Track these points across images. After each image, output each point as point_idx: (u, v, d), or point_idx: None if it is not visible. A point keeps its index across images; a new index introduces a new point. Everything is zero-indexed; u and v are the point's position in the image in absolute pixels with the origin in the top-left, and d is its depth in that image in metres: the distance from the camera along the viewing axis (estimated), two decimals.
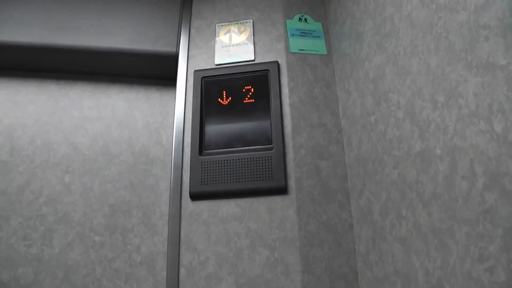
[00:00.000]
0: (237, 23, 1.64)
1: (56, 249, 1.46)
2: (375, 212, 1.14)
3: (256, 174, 1.35)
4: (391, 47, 1.08)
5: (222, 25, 1.64)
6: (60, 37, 1.59)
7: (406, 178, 0.97)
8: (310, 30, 1.60)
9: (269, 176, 1.34)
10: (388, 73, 1.09)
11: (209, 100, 1.50)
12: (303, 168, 1.36)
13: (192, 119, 1.47)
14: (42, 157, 1.59)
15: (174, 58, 1.64)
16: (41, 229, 1.48)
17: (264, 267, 1.25)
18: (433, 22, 0.88)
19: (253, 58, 1.55)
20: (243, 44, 1.59)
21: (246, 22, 1.63)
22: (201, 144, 1.43)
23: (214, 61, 1.58)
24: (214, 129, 1.45)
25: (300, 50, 1.56)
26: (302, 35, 1.59)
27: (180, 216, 1.34)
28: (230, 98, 1.49)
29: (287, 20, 1.60)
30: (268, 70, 1.50)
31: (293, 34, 1.58)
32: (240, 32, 1.61)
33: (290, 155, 1.38)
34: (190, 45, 1.63)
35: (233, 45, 1.59)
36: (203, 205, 1.36)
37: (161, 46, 1.63)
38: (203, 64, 1.58)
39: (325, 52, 1.57)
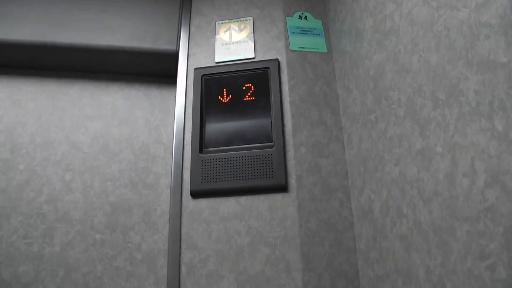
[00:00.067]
0: (237, 21, 1.63)
1: (56, 247, 1.46)
2: (376, 210, 1.14)
3: (257, 172, 1.35)
4: (391, 45, 1.08)
5: (222, 23, 1.64)
6: (59, 35, 1.59)
7: (407, 176, 0.97)
8: (310, 28, 1.60)
9: (269, 174, 1.34)
10: (388, 71, 1.09)
11: (209, 98, 1.50)
12: (303, 166, 1.36)
13: (192, 117, 1.47)
14: (42, 155, 1.59)
15: (174, 56, 1.64)
16: (41, 227, 1.48)
17: (265, 265, 1.25)
18: (434, 19, 0.88)
19: (253, 56, 1.55)
20: (243, 41, 1.59)
21: (246, 19, 1.63)
22: (202, 142, 1.43)
23: (214, 59, 1.58)
24: (215, 127, 1.45)
25: (300, 48, 1.55)
26: (302, 33, 1.59)
27: (180, 214, 1.35)
28: (230, 96, 1.49)
29: (287, 18, 1.60)
30: (268, 68, 1.50)
31: (293, 32, 1.58)
32: (240, 30, 1.61)
33: (290, 153, 1.38)
34: (190, 43, 1.63)
35: (233, 42, 1.59)
36: (204, 203, 1.36)
37: (161, 44, 1.63)
38: (203, 62, 1.58)
39: (325, 50, 1.57)
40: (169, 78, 1.79)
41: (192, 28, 1.66)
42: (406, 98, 0.99)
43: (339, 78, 1.48)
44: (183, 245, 1.31)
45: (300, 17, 1.62)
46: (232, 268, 1.26)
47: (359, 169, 1.28)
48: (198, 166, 1.39)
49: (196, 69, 1.55)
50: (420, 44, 0.93)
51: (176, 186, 1.38)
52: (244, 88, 1.49)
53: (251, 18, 1.63)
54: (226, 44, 1.60)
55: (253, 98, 1.47)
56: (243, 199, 1.35)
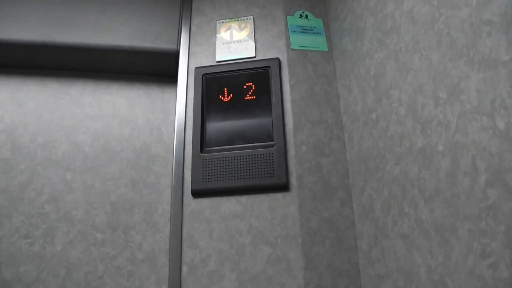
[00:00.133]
0: (237, 20, 1.63)
1: (58, 247, 1.46)
2: (377, 208, 1.14)
3: (258, 171, 1.35)
4: (392, 43, 1.08)
5: (222, 22, 1.64)
6: (60, 35, 1.59)
7: (408, 174, 0.97)
8: (311, 27, 1.60)
9: (270, 173, 1.33)
10: (389, 69, 1.09)
11: (210, 97, 1.50)
12: (304, 165, 1.36)
13: (193, 116, 1.47)
14: (43, 155, 1.59)
15: (175, 55, 1.64)
16: (43, 227, 1.48)
17: (266, 264, 1.25)
18: (435, 18, 0.87)
19: (254, 55, 1.55)
20: (244, 41, 1.58)
21: (247, 18, 1.63)
22: (203, 141, 1.43)
23: (215, 58, 1.58)
24: (215, 126, 1.45)
25: (301, 46, 1.55)
26: (303, 32, 1.58)
27: (181, 214, 1.35)
28: (231, 95, 1.48)
29: (287, 17, 1.60)
30: (269, 67, 1.50)
31: (294, 31, 1.58)
32: (241, 29, 1.61)
33: (291, 152, 1.38)
34: (190, 42, 1.63)
35: (234, 42, 1.59)
36: (205, 202, 1.36)
37: (161, 43, 1.63)
38: (204, 61, 1.58)
39: (326, 49, 1.57)
40: (169, 78, 1.79)
41: (193, 28, 1.66)
42: (407, 97, 0.98)
43: (340, 77, 1.48)
44: (184, 245, 1.31)
45: (300, 16, 1.62)
46: (233, 267, 1.26)
47: (360, 168, 1.28)
48: (199, 166, 1.39)
49: (197, 68, 1.55)
50: (421, 43, 0.93)
51: (177, 186, 1.38)
52: (245, 87, 1.49)
53: (252, 17, 1.63)
54: (226, 43, 1.59)
55: (254, 97, 1.47)
56: (244, 198, 1.35)
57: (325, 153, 1.39)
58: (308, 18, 1.62)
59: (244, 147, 1.40)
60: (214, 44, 1.61)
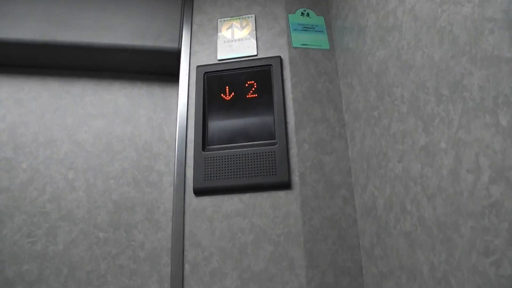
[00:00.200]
0: (239, 18, 1.63)
1: (60, 246, 1.46)
2: (379, 206, 1.14)
3: (260, 169, 1.34)
4: (394, 41, 1.07)
5: (224, 20, 1.64)
6: (61, 33, 1.59)
7: (411, 172, 0.97)
8: (312, 25, 1.60)
9: (272, 171, 1.33)
10: (391, 67, 1.09)
11: (212, 96, 1.50)
12: (306, 163, 1.36)
13: (195, 114, 1.47)
14: (45, 154, 1.59)
15: (176, 54, 1.64)
16: (45, 226, 1.48)
17: (269, 262, 1.25)
18: (437, 15, 0.87)
19: (255, 53, 1.55)
20: (246, 39, 1.58)
21: (248, 17, 1.63)
22: (204, 139, 1.43)
23: (216, 57, 1.57)
24: (217, 124, 1.45)
25: (302, 45, 1.55)
26: (305, 30, 1.58)
27: (183, 212, 1.35)
28: (233, 94, 1.48)
29: (289, 15, 1.60)
30: (271, 65, 1.49)
31: (295, 29, 1.57)
32: (242, 27, 1.61)
33: (293, 150, 1.38)
34: (192, 40, 1.63)
35: (235, 40, 1.59)
36: (207, 200, 1.36)
37: (163, 42, 1.63)
38: (206, 59, 1.58)
39: (327, 47, 1.56)
40: (171, 76, 1.79)
41: (194, 26, 1.66)
42: (410, 94, 0.98)
43: (342, 75, 1.47)
44: (187, 243, 1.31)
45: (302, 14, 1.61)
46: (235, 265, 1.26)
47: (362, 166, 1.27)
48: (201, 164, 1.39)
49: (198, 66, 1.55)
50: (423, 40, 0.93)
51: (179, 184, 1.38)
52: (246, 85, 1.49)
53: (253, 16, 1.63)
54: (228, 41, 1.59)
55: (256, 95, 1.47)
56: (246, 197, 1.34)
57: (327, 151, 1.39)
58: (309, 16, 1.61)
59: (246, 145, 1.40)
60: (216, 42, 1.61)
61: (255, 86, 1.48)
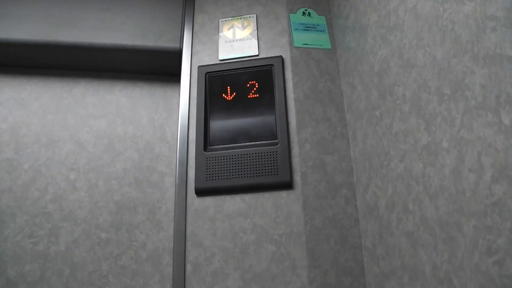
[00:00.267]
0: (240, 18, 1.63)
1: (62, 246, 1.46)
2: (381, 206, 1.13)
3: (262, 169, 1.34)
4: (396, 40, 1.07)
5: (225, 20, 1.64)
6: (62, 34, 1.59)
7: (413, 171, 0.96)
8: (314, 24, 1.59)
9: (274, 171, 1.33)
10: (393, 66, 1.08)
11: (213, 96, 1.49)
12: (308, 162, 1.36)
13: (196, 115, 1.47)
14: (47, 154, 1.59)
15: (178, 54, 1.64)
16: (47, 226, 1.48)
17: (270, 262, 1.25)
18: (439, 14, 0.87)
19: (257, 53, 1.55)
20: (247, 39, 1.58)
21: (250, 17, 1.62)
22: (206, 139, 1.43)
23: (218, 57, 1.57)
24: (219, 124, 1.45)
25: (304, 44, 1.55)
26: (306, 29, 1.58)
27: (185, 212, 1.34)
28: (234, 94, 1.48)
29: (290, 14, 1.60)
30: (272, 65, 1.49)
31: (296, 29, 1.57)
32: (244, 27, 1.61)
33: (295, 150, 1.37)
34: (193, 40, 1.62)
35: (236, 40, 1.59)
36: (209, 201, 1.36)
37: (164, 42, 1.63)
38: (207, 59, 1.58)
39: (329, 46, 1.56)
40: (172, 76, 1.79)
41: (196, 26, 1.65)
42: (411, 94, 0.98)
43: (344, 74, 1.47)
44: (188, 243, 1.31)
45: (303, 13, 1.61)
46: (237, 265, 1.26)
47: (364, 166, 1.27)
48: (203, 164, 1.38)
49: (200, 66, 1.55)
50: (425, 39, 0.92)
51: (180, 184, 1.38)
52: (248, 85, 1.49)
53: (255, 15, 1.62)
54: (229, 41, 1.59)
55: (257, 95, 1.47)
56: (248, 197, 1.34)
57: (329, 151, 1.39)
58: (311, 15, 1.61)
59: (247, 145, 1.39)
60: (217, 42, 1.61)
61: (256, 86, 1.48)
